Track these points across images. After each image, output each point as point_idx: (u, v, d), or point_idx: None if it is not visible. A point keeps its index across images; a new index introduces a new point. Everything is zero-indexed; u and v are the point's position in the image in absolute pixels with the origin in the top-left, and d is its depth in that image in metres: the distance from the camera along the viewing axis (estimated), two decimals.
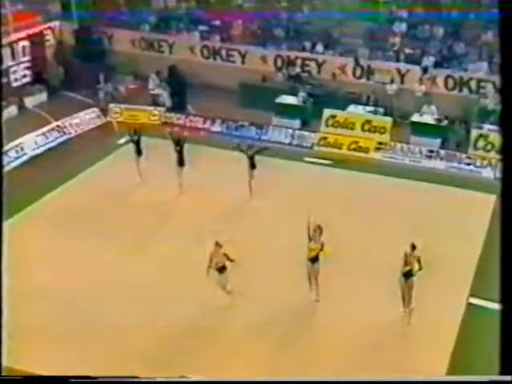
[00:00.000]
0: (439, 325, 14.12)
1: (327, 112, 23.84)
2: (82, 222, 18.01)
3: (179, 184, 19.55)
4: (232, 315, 14.69)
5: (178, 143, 19.66)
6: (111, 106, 25.19)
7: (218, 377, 11.70)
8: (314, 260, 14.55)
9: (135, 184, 19.84)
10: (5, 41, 24.93)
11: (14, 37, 25.70)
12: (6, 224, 17.40)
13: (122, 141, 22.75)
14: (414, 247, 13.93)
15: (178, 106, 25.60)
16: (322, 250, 14.46)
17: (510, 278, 6.70)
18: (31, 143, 22.20)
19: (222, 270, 14.54)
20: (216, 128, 24.38)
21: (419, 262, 13.84)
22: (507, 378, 6.07)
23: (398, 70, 25.08)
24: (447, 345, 13.57)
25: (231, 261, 14.43)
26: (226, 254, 14.40)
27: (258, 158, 20.23)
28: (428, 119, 23.28)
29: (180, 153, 19.57)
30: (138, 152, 20.08)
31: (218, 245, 14.47)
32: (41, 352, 13.32)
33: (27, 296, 14.75)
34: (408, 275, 13.95)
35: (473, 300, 14.86)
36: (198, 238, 16.99)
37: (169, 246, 17.09)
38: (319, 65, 26.08)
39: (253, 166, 19.45)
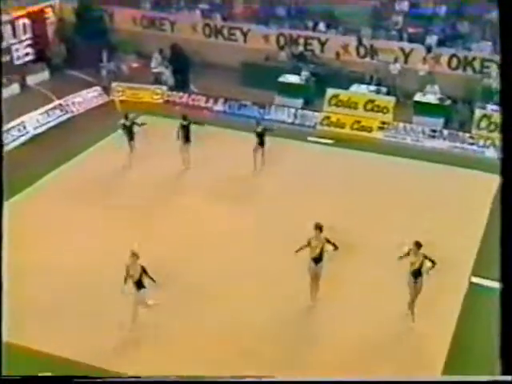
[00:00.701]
0: (441, 304, 14.19)
1: (330, 91, 23.77)
2: (85, 199, 18.01)
3: (183, 160, 19.55)
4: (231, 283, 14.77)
5: (186, 118, 19.58)
6: (114, 84, 25.11)
7: None
8: (318, 260, 13.93)
9: (138, 162, 19.81)
10: (5, 18, 24.82)
11: (14, 14, 25.53)
12: (9, 202, 17.62)
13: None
14: (419, 245, 13.25)
15: (181, 85, 25.52)
16: (324, 246, 13.80)
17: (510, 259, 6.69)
18: (33, 122, 22.15)
19: (139, 284, 12.93)
20: (218, 107, 24.31)
21: (427, 258, 13.20)
22: (507, 377, 6.11)
23: (402, 50, 24.97)
24: (449, 324, 13.65)
25: (152, 279, 12.97)
26: (143, 267, 12.83)
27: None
28: (431, 99, 23.20)
29: (187, 128, 19.49)
30: (130, 138, 19.63)
31: (134, 255, 12.87)
32: (44, 328, 13.39)
33: (36, 271, 14.88)
34: (417, 274, 13.35)
35: (475, 279, 14.92)
36: (201, 214, 17.16)
37: (175, 221, 17.17)
38: (322, 44, 25.97)
39: (262, 143, 19.62)
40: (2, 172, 6.00)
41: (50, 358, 12.62)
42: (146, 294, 13.05)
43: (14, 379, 6.15)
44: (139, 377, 7.05)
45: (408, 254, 13.42)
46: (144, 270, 12.88)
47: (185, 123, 19.55)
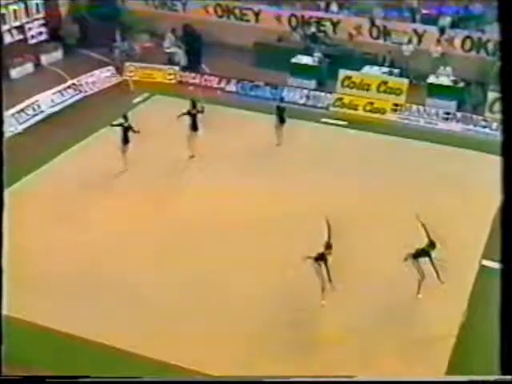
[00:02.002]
0: (452, 286, 14.25)
1: (343, 73, 23.73)
2: (99, 179, 18.17)
3: (190, 147, 19.51)
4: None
5: (194, 106, 19.35)
6: (127, 64, 25.17)
7: None
8: (320, 259, 13.39)
9: (151, 142, 19.87)
10: None
11: None
12: (22, 181, 17.79)
13: (137, 99, 22.88)
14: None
15: (193, 65, 25.54)
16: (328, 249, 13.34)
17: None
18: (48, 101, 22.25)
19: None
20: (231, 87, 24.34)
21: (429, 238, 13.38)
22: (507, 377, 6.15)
23: (415, 31, 24.86)
24: (459, 306, 13.74)
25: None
26: None
27: (272, 117, 20.31)
28: (444, 81, 23.14)
29: (194, 116, 19.27)
30: (125, 140, 18.63)
31: None
32: (52, 305, 13.57)
33: (44, 252, 15.06)
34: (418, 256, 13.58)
35: (486, 262, 14.98)
36: (214, 195, 17.26)
37: (187, 205, 17.23)
38: (334, 24, 25.88)
39: (282, 120, 19.98)
40: (3, 159, 6.07)
41: (54, 332, 12.88)
42: None
43: (14, 379, 6.22)
44: (139, 377, 7.17)
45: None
46: None
47: (193, 111, 19.22)
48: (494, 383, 6.35)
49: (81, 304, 13.61)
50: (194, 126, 19.33)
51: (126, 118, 18.73)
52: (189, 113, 19.21)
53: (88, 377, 6.45)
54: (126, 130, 18.56)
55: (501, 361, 6.17)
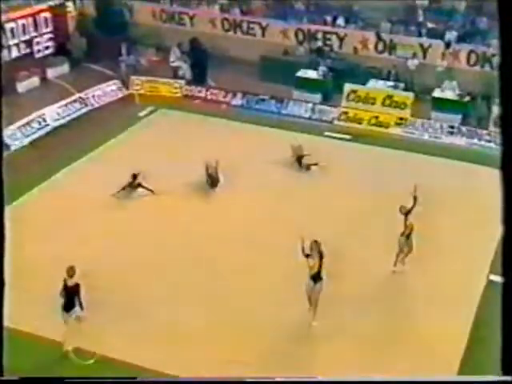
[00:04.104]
0: (459, 302, 14.22)
1: (348, 86, 23.79)
2: (103, 193, 18.09)
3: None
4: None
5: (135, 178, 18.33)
6: (133, 78, 25.28)
7: None
8: (316, 278, 13.16)
9: (157, 156, 19.94)
10: (27, 11, 25.08)
11: (36, 8, 25.75)
12: (27, 194, 17.79)
13: (143, 113, 22.95)
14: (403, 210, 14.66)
15: (199, 79, 25.64)
16: (321, 265, 13.06)
17: None
18: (53, 114, 22.36)
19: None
20: (236, 101, 24.42)
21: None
22: (507, 378, 6.09)
23: (421, 45, 24.91)
24: (467, 322, 13.71)
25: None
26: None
27: (277, 132, 20.35)
28: (449, 95, 23.16)
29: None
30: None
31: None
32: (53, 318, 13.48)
33: (47, 265, 14.96)
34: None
35: (493, 277, 14.86)
36: (217, 210, 17.26)
37: (193, 217, 17.27)
38: (341, 39, 25.95)
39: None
40: (2, 174, 6.09)
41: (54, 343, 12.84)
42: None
43: (13, 379, 6.20)
44: (139, 377, 7.13)
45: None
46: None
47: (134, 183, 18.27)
48: (493, 383, 6.31)
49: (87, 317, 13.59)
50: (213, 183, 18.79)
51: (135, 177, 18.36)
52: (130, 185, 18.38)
53: (88, 377, 6.41)
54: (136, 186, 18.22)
55: (501, 361, 6.13)
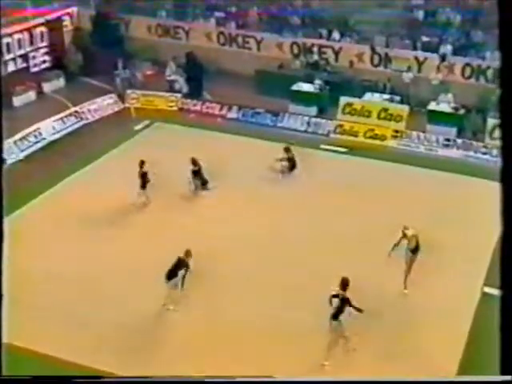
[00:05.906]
0: (454, 314, 14.21)
1: (343, 99, 23.86)
2: (98, 207, 18.11)
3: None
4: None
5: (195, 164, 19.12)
6: (128, 91, 25.34)
7: None
8: (336, 315, 12.80)
9: (153, 170, 19.90)
10: (23, 26, 25.16)
11: (32, 23, 25.82)
12: (23, 209, 17.77)
13: (139, 126, 22.97)
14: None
15: (195, 92, 25.69)
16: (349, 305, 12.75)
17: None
18: (49, 128, 22.37)
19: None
20: (232, 115, 24.46)
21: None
22: (507, 377, 6.11)
23: (416, 58, 25.01)
24: (461, 334, 13.69)
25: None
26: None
27: (273, 145, 20.35)
28: (444, 108, 23.23)
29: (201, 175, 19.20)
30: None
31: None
32: (46, 331, 13.56)
33: (44, 279, 15.00)
34: (414, 251, 14.76)
35: (487, 289, 14.89)
36: (211, 226, 17.23)
37: (186, 231, 17.18)
38: (336, 52, 26.05)
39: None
40: (2, 186, 6.09)
41: (50, 359, 12.80)
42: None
43: (14, 379, 6.18)
44: (139, 377, 7.09)
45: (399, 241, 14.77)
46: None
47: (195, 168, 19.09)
48: (493, 383, 6.31)
49: (82, 332, 13.58)
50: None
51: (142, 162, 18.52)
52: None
53: (90, 377, 6.39)
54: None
55: (500, 361, 6.13)
